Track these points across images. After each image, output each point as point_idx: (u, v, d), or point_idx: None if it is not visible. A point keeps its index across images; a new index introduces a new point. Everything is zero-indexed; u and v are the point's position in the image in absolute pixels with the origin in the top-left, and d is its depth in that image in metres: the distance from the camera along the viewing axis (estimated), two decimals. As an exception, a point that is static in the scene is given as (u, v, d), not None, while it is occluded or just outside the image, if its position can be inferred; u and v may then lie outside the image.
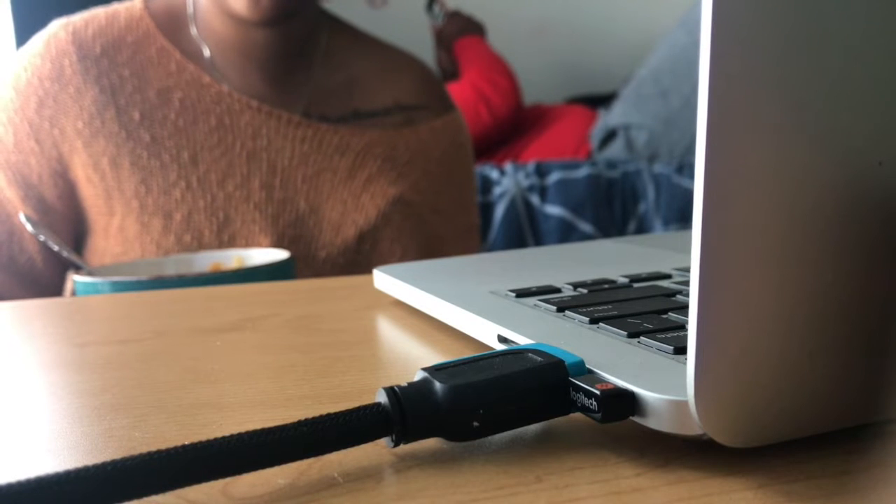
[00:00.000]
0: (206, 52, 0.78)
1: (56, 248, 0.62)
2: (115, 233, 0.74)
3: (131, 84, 0.75)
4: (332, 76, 0.82)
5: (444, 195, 0.84)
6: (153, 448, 0.18)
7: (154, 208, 0.73)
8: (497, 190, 1.68)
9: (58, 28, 0.77)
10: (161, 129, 0.74)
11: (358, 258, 0.78)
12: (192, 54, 0.77)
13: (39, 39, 0.77)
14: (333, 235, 0.77)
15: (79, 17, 0.77)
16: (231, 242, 0.74)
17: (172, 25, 0.78)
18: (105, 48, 0.75)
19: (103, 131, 0.74)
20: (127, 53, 0.76)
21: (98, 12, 0.78)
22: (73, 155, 0.74)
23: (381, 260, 0.79)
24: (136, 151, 0.74)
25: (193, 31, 0.78)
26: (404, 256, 0.79)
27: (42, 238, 0.62)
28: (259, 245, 0.74)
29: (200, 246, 0.73)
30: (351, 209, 0.77)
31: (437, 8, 2.25)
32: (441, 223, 0.84)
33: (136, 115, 0.74)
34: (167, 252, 0.73)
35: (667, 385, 0.21)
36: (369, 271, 0.78)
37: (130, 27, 0.77)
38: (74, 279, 0.58)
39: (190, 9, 0.79)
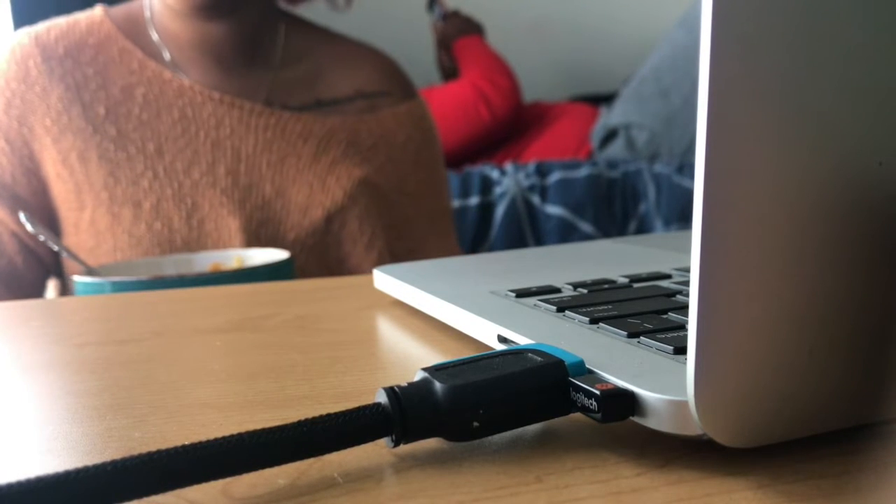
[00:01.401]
0: (166, 53, 0.80)
1: (56, 247, 0.62)
2: (86, 227, 0.75)
3: (95, 82, 0.77)
4: (293, 69, 0.84)
5: (411, 178, 0.85)
6: (153, 448, 0.18)
7: (123, 199, 0.75)
8: (497, 190, 1.68)
9: (21, 36, 0.79)
10: (126, 122, 0.76)
11: (327, 239, 0.79)
12: (153, 53, 0.80)
13: (4, 47, 0.79)
14: (301, 217, 0.78)
15: (40, 25, 0.80)
16: (200, 227, 0.75)
17: (132, 28, 0.81)
18: (68, 49, 0.78)
19: (70, 127, 0.75)
20: (90, 54, 0.78)
21: (59, 20, 0.80)
22: (43, 152, 0.76)
23: (351, 241, 0.80)
24: (102, 145, 0.75)
25: (152, 32, 0.81)
26: (374, 237, 0.81)
27: (42, 237, 0.62)
28: (229, 228, 0.75)
29: (171, 232, 0.75)
30: (317, 191, 0.79)
31: (437, 7, 2.25)
32: (410, 205, 0.85)
33: (102, 111, 0.76)
34: (139, 240, 0.74)
35: (667, 385, 0.21)
36: (339, 252, 0.80)
37: (91, 30, 0.79)
38: (74, 279, 0.58)
39: (147, 11, 0.82)
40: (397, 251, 0.83)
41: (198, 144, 0.77)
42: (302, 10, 0.90)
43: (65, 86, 0.76)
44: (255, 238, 0.76)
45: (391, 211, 0.83)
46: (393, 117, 0.85)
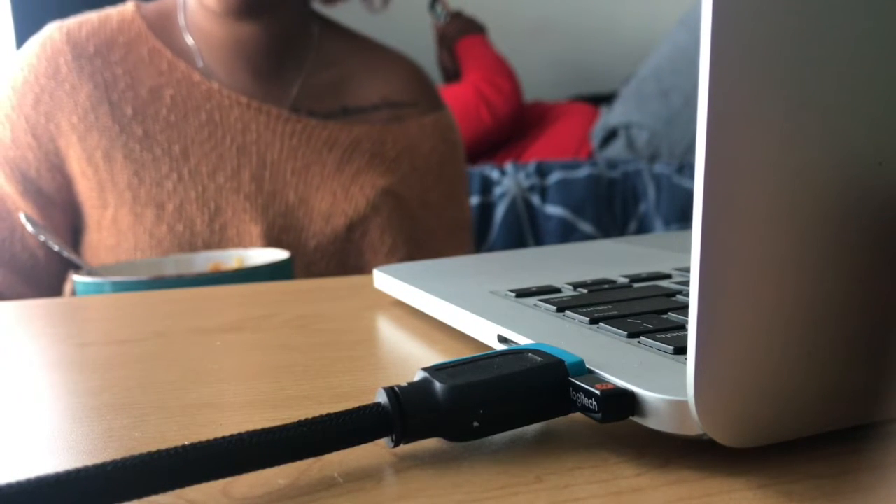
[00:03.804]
0: (196, 51, 0.80)
1: (56, 248, 0.62)
2: (108, 225, 0.75)
3: (124, 82, 0.77)
4: (322, 73, 0.83)
5: (433, 190, 0.85)
6: (153, 448, 0.18)
7: (147, 199, 0.75)
8: (497, 190, 1.68)
9: (52, 30, 0.79)
10: (153, 123, 0.77)
11: (348, 247, 0.79)
12: (183, 53, 0.80)
13: (35, 41, 0.79)
14: (323, 225, 0.78)
15: (72, 20, 0.80)
16: (222, 231, 0.75)
17: (163, 26, 0.81)
18: (98, 48, 0.78)
19: (97, 126, 0.76)
20: (119, 53, 0.78)
21: (91, 15, 0.80)
22: (68, 149, 0.76)
23: (372, 250, 0.80)
24: (128, 145, 0.76)
25: (184, 31, 0.80)
26: (394, 247, 0.81)
27: (42, 238, 0.62)
28: (250, 234, 0.76)
29: (192, 235, 0.75)
30: (340, 199, 0.79)
31: (439, 7, 2.25)
32: (430, 217, 0.85)
33: (129, 111, 0.76)
34: (160, 241, 0.74)
35: (667, 385, 0.21)
36: (360, 261, 0.80)
37: (122, 29, 0.79)
38: (74, 279, 0.58)
39: (180, 10, 0.81)
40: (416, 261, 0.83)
41: (223, 149, 0.77)
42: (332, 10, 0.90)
43: (93, 84, 0.76)
44: (276, 244, 0.76)
45: (412, 222, 0.83)
46: (419, 128, 0.85)
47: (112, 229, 0.75)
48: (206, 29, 0.80)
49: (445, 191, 0.87)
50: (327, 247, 0.78)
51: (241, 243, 0.75)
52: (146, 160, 0.75)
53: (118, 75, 0.77)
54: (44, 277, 0.77)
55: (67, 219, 0.78)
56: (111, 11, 0.80)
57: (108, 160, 0.75)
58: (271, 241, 0.75)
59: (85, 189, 0.76)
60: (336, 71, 0.84)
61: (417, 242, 0.83)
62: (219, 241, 0.75)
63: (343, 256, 0.79)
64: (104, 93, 0.76)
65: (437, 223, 0.86)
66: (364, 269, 0.80)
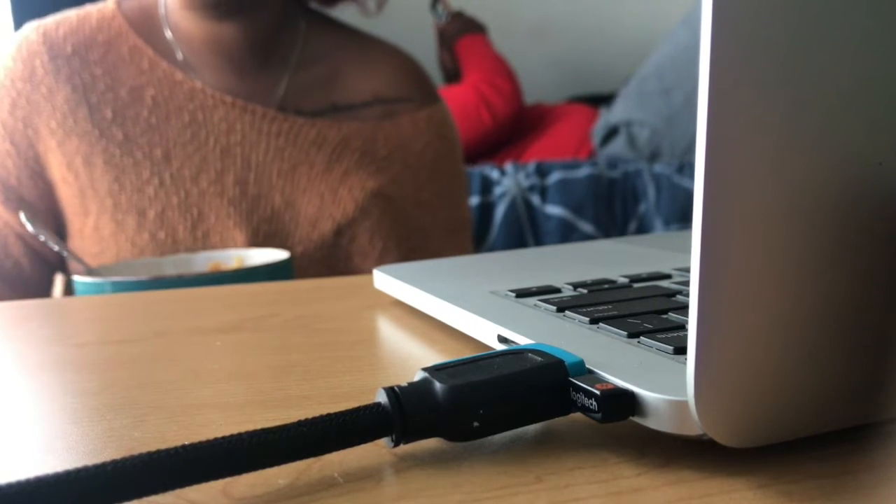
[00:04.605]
0: (178, 52, 0.77)
1: (56, 247, 0.62)
2: (90, 232, 0.74)
3: (103, 83, 0.75)
4: (310, 69, 0.81)
5: (427, 188, 0.82)
6: (153, 448, 0.18)
7: (128, 206, 0.73)
8: (497, 190, 1.68)
9: (29, 31, 0.77)
10: (133, 126, 0.74)
11: (336, 252, 0.77)
12: (165, 52, 0.77)
13: (11, 43, 0.77)
14: (310, 230, 0.76)
15: (50, 19, 0.78)
16: (205, 239, 0.74)
17: (145, 24, 0.78)
18: (76, 47, 0.75)
19: (76, 130, 0.74)
20: (98, 52, 0.76)
21: (70, 14, 0.78)
22: (48, 154, 0.74)
23: (361, 254, 0.78)
24: (108, 150, 0.73)
25: (166, 29, 0.78)
26: (385, 251, 0.79)
27: (42, 238, 0.62)
28: (234, 240, 0.74)
29: (175, 243, 0.73)
30: (328, 203, 0.76)
31: (440, 7, 2.25)
32: (424, 216, 0.82)
33: (109, 114, 0.74)
34: (142, 250, 0.72)
35: (667, 385, 0.21)
36: (348, 266, 0.79)
37: (102, 27, 0.77)
38: (74, 279, 0.58)
39: (161, 7, 0.79)
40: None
41: (207, 151, 0.75)
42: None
43: (71, 87, 0.74)
44: None
45: (406, 221, 0.80)
46: (412, 124, 0.82)
47: (94, 237, 0.73)
48: (185, 27, 0.77)
49: (440, 189, 0.84)
50: (314, 253, 0.76)
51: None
52: (126, 165, 0.73)
53: (97, 76, 0.75)
54: (30, 285, 0.76)
55: (51, 226, 0.76)
56: (91, 9, 0.78)
57: (87, 166, 0.73)
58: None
59: (66, 196, 0.74)
60: (325, 66, 0.81)
61: (411, 244, 0.81)
62: (202, 248, 0.73)
63: (331, 262, 0.77)
64: (82, 95, 0.74)
65: (432, 223, 0.83)
66: (353, 274, 0.78)
